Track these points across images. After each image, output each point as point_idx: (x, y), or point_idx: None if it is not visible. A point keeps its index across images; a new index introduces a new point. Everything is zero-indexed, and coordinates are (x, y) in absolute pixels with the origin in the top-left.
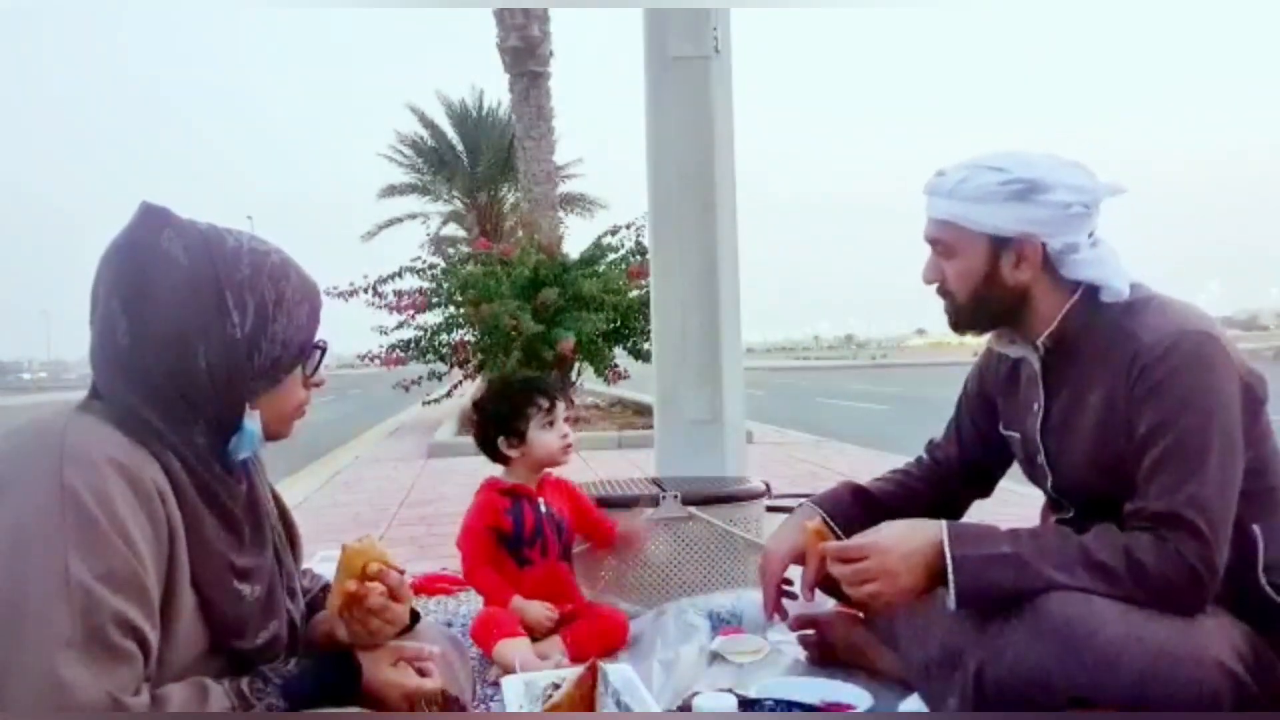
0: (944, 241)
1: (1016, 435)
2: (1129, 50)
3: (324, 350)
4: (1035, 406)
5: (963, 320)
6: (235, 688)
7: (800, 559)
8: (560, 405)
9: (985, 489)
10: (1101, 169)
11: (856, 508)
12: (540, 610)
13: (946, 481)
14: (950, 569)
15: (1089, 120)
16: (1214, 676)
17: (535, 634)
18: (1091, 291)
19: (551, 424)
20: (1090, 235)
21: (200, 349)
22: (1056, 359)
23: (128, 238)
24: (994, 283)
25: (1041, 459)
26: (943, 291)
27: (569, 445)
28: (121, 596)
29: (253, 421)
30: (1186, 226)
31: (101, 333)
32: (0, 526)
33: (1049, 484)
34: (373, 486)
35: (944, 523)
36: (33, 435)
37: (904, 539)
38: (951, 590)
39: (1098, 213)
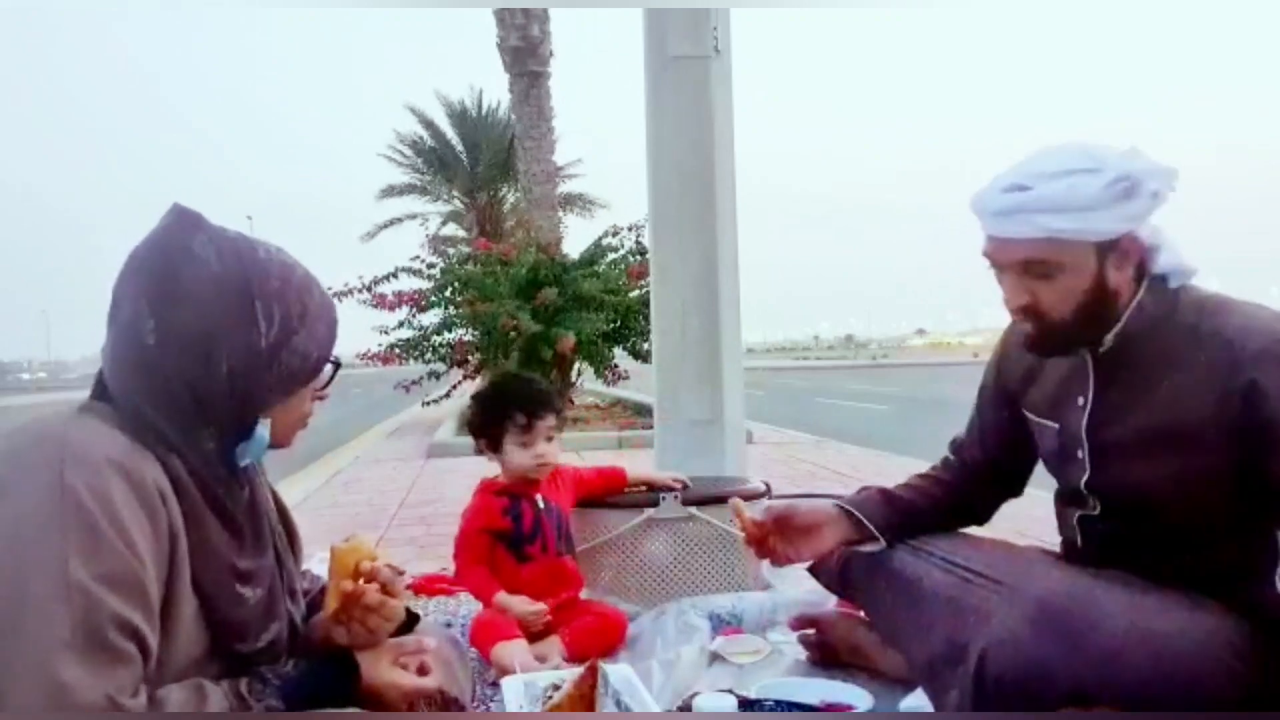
0: (1047, 261)
1: (1053, 425)
2: (1128, 50)
3: (338, 366)
4: (1080, 400)
5: (1057, 341)
6: (234, 689)
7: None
8: (541, 424)
9: (1016, 488)
10: None
11: (885, 509)
12: (523, 605)
13: (974, 482)
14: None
15: (1089, 120)
16: (1216, 673)
17: (528, 630)
18: (1155, 283)
19: (526, 445)
20: None
21: (224, 355)
22: (1115, 355)
23: (161, 239)
24: (1101, 291)
25: (1083, 453)
26: (1031, 313)
27: (543, 465)
28: (121, 598)
29: (263, 429)
30: (1187, 226)
31: (125, 332)
32: (0, 526)
33: (1084, 479)
34: (372, 487)
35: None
36: (34, 436)
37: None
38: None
39: None
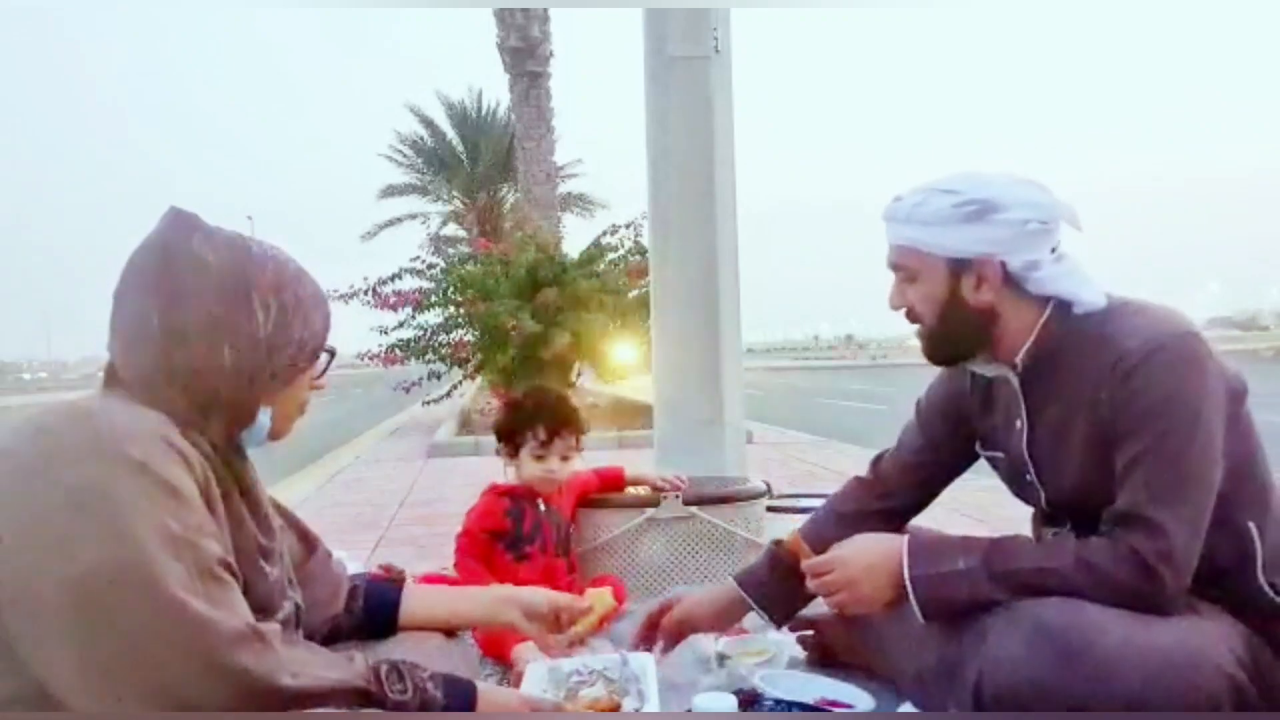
0: (905, 267)
1: (1001, 455)
2: (1128, 53)
3: (333, 355)
4: (1018, 424)
5: (936, 347)
6: (375, 668)
7: (692, 627)
8: (559, 442)
9: (927, 499)
10: (1101, 170)
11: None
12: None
13: (886, 496)
14: (909, 588)
15: (1091, 121)
16: (1214, 682)
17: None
18: (1064, 304)
19: (540, 458)
20: (1054, 250)
21: (226, 346)
22: (1036, 374)
23: (160, 240)
24: (957, 305)
25: (1031, 476)
26: (912, 317)
27: (553, 480)
28: (215, 542)
29: (264, 417)
30: (1187, 226)
31: (135, 327)
32: (74, 500)
33: (1042, 500)
34: (373, 487)
35: (906, 538)
36: (67, 417)
37: (866, 552)
38: (915, 607)
39: (1059, 229)
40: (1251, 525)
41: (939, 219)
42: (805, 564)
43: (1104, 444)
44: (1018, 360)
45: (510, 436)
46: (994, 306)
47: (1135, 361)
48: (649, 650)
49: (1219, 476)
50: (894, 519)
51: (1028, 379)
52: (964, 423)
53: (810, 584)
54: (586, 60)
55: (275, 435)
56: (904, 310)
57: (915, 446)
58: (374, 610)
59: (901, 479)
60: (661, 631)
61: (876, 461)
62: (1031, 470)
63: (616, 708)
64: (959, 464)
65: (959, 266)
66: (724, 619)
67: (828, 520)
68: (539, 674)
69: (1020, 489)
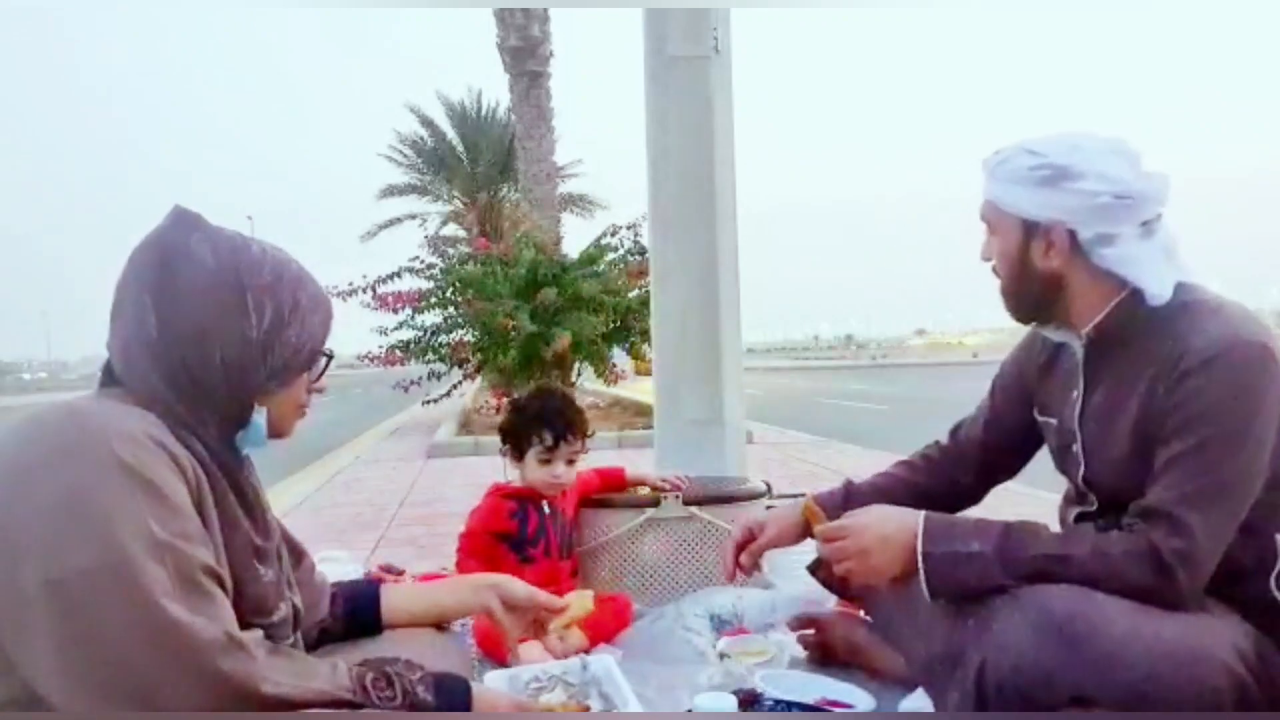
0: (988, 221)
1: (1053, 421)
2: (1128, 53)
3: (331, 358)
4: (1074, 394)
5: (1008, 303)
6: (360, 676)
7: (772, 543)
8: (565, 447)
9: (999, 477)
10: None
11: (841, 498)
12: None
13: (958, 466)
14: (921, 564)
15: (1090, 121)
16: (1217, 676)
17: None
18: (1138, 291)
19: (545, 463)
20: (1145, 225)
21: (218, 346)
22: (1101, 349)
23: (160, 238)
24: (1027, 267)
25: (1077, 447)
26: (995, 271)
27: (559, 485)
28: (200, 547)
29: (259, 418)
30: (1187, 226)
31: (132, 324)
32: (54, 499)
33: (1080, 474)
34: (372, 487)
35: (923, 515)
36: (62, 415)
37: (882, 522)
38: (923, 584)
39: (1146, 205)
40: (1278, 537)
41: (1015, 178)
42: (819, 529)
43: (1150, 435)
44: (1084, 331)
45: (515, 438)
46: (1062, 274)
47: (1196, 363)
48: (745, 575)
49: (1258, 489)
50: (947, 500)
51: (1093, 352)
52: (1026, 389)
53: (822, 549)
54: (586, 60)
55: (277, 435)
56: (984, 259)
57: (984, 420)
58: (356, 612)
59: (969, 451)
60: (748, 555)
61: (955, 430)
62: (1078, 442)
63: (586, 710)
64: (1019, 443)
65: (1031, 228)
66: (796, 536)
67: (890, 481)
68: (497, 682)
69: (1063, 460)
